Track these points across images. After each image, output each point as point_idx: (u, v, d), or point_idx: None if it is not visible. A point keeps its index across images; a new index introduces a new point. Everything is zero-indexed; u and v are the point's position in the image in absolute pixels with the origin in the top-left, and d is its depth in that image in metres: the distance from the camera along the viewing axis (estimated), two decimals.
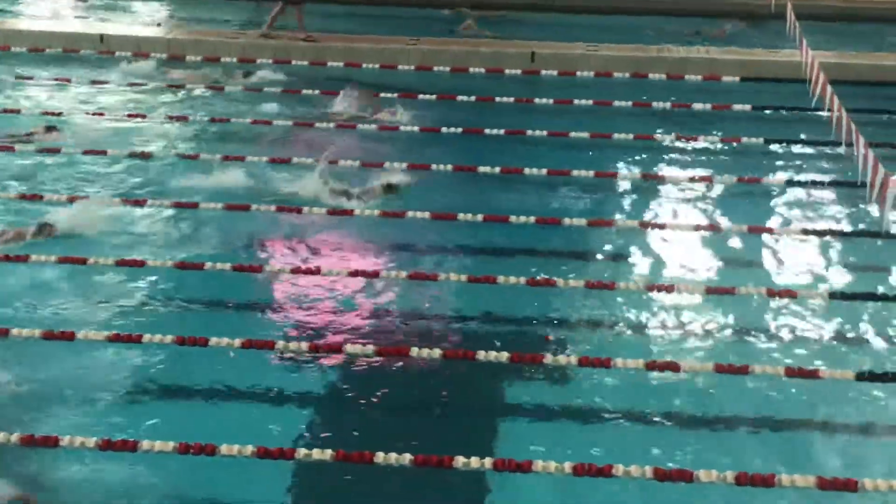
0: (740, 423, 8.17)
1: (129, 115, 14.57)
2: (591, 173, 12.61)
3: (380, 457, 7.39)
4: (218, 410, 8.22)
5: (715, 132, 14.33)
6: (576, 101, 15.11)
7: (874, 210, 11.23)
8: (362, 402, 8.39)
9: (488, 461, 7.39)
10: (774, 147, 13.86)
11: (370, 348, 8.83)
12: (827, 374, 8.51)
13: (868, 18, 20.34)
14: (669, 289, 9.96)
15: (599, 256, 10.88)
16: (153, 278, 10.03)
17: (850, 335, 9.43)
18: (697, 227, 11.26)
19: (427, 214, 11.22)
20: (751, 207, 12.01)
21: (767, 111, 15.03)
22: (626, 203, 12.07)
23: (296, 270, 10.14)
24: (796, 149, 13.89)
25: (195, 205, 11.45)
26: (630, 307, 9.84)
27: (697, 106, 15.09)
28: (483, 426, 8.12)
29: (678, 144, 13.91)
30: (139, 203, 11.49)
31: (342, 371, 8.76)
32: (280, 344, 8.87)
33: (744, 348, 9.19)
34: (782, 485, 7.18)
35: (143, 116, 14.56)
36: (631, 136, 13.96)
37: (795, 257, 10.87)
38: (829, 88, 12.22)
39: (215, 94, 15.69)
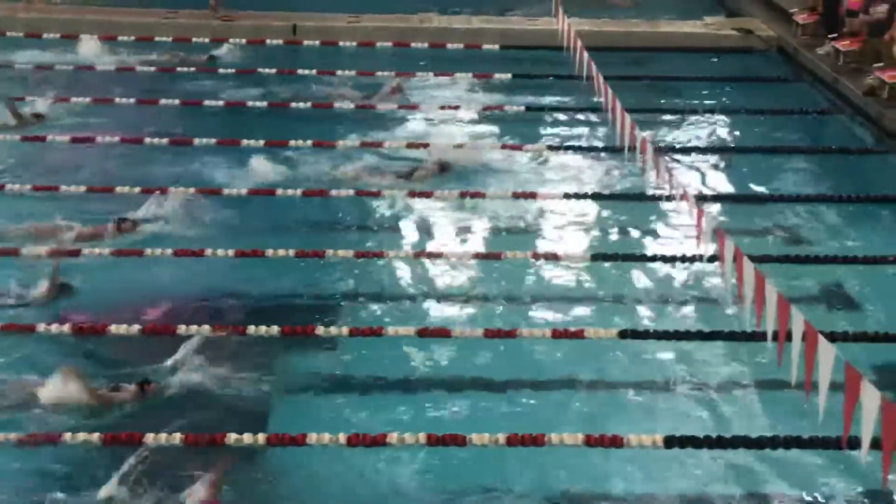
0: (510, 385, 8.29)
1: None
2: (357, 143, 12.63)
3: (149, 437, 7.25)
4: None
5: (477, 100, 14.50)
6: (339, 72, 15.06)
7: (634, 172, 11.58)
8: (130, 383, 8.16)
9: (261, 437, 7.34)
10: (535, 114, 14.12)
11: (136, 328, 8.63)
12: (592, 333, 8.74)
13: None
14: (438, 256, 10.05)
15: (368, 227, 10.88)
16: None
17: (612, 295, 9.69)
18: (463, 194, 11.37)
19: (191, 190, 11.04)
20: (514, 173, 12.20)
21: (528, 78, 15.28)
22: (393, 173, 12.05)
23: (55, 253, 9.78)
24: (557, 115, 14.20)
25: None
26: (400, 276, 9.89)
27: (459, 74, 15.25)
28: (255, 401, 8.00)
29: (441, 113, 14.00)
30: None
31: (108, 352, 8.52)
32: (41, 327, 8.57)
33: (512, 312, 9.35)
34: (552, 444, 7.35)
35: None
36: (395, 105, 14.03)
37: (559, 221, 11.11)
38: (585, 55, 12.49)
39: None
